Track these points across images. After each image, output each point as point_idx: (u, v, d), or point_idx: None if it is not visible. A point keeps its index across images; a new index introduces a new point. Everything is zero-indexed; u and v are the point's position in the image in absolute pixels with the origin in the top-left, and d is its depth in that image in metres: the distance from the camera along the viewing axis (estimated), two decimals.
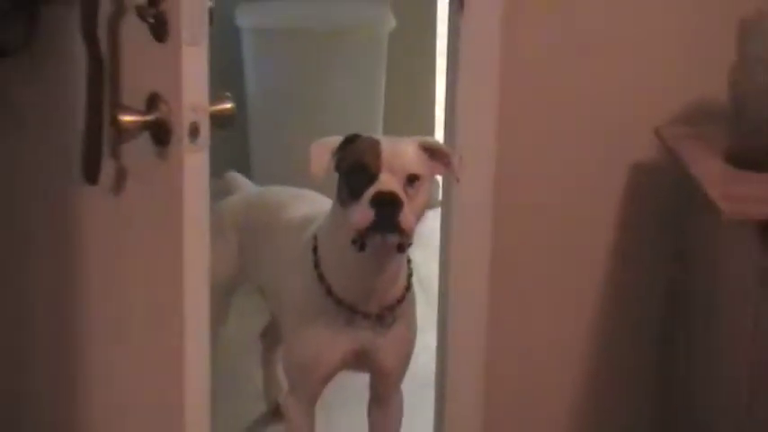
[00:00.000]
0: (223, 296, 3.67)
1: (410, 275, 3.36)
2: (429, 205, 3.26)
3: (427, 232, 3.55)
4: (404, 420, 3.66)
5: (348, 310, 3.29)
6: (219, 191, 3.70)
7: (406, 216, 3.06)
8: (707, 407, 3.35)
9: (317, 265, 3.32)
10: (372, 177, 3.07)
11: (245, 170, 4.46)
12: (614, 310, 3.62)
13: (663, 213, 3.53)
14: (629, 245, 3.58)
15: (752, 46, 3.06)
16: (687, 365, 3.49)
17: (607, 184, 3.53)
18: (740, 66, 3.07)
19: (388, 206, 3.06)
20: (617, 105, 3.46)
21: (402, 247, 3.15)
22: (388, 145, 3.12)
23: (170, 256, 2.37)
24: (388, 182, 3.08)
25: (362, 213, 3.06)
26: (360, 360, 3.39)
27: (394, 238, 3.09)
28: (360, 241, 3.11)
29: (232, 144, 4.93)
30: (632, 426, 3.69)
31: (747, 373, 3.02)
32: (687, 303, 3.47)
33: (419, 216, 3.15)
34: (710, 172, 3.10)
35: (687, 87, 3.43)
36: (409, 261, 3.35)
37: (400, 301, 3.28)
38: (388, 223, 3.06)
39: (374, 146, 3.11)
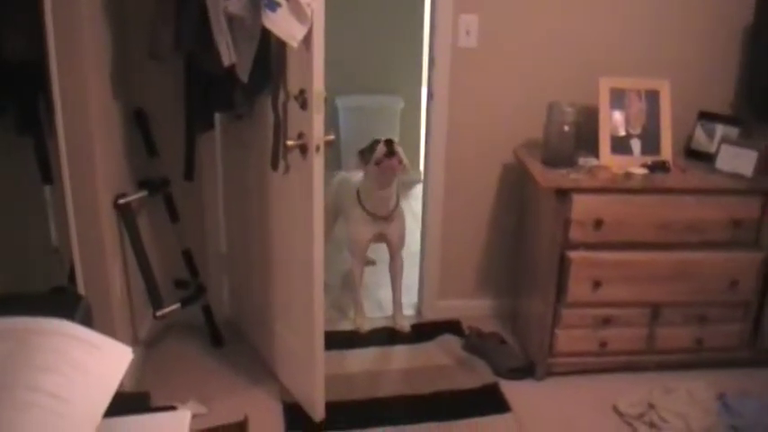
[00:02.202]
0: (332, 218, 4.05)
1: (398, 199, 3.79)
2: (414, 180, 3.66)
3: (416, 195, 3.77)
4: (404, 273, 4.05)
5: (373, 216, 3.80)
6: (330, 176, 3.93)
7: (398, 151, 3.58)
8: (532, 257, 3.60)
9: (359, 197, 3.81)
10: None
11: (339, 166, 5.11)
12: (498, 216, 3.90)
13: (517, 184, 3.84)
14: (504, 194, 3.89)
15: (552, 114, 3.41)
16: (526, 238, 3.71)
17: (494, 171, 3.84)
18: (548, 122, 3.43)
19: (391, 144, 3.60)
20: (500, 140, 3.75)
21: (400, 162, 3.60)
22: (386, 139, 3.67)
23: (308, 201, 2.77)
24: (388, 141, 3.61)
25: (381, 149, 3.60)
26: (380, 237, 3.89)
27: (395, 159, 3.61)
28: (380, 163, 3.60)
29: (334, 154, 5.54)
30: (508, 252, 3.95)
31: (549, 243, 3.29)
32: (527, 218, 3.73)
33: (402, 167, 3.61)
34: (536, 167, 3.41)
35: (525, 133, 3.73)
36: (398, 195, 3.76)
37: (394, 209, 3.83)
38: (392, 152, 3.59)
39: (380, 140, 3.63)
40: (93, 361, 1.15)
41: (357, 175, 3.89)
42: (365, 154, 3.68)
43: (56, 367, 1.09)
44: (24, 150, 2.54)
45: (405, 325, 3.88)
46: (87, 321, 1.33)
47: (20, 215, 2.65)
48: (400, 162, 3.60)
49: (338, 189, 4.07)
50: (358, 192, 3.78)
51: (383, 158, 3.58)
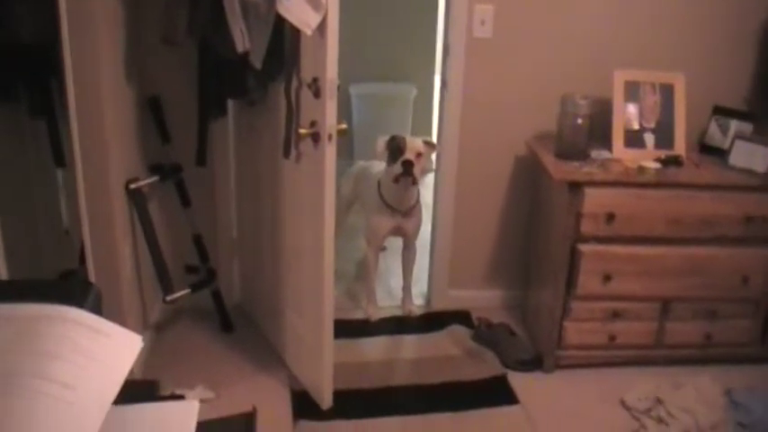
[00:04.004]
0: (346, 206, 4.06)
1: (418, 195, 3.76)
2: (427, 169, 3.67)
3: (428, 184, 3.83)
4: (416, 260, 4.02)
5: (392, 209, 3.75)
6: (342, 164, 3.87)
7: (415, 171, 3.53)
8: (543, 249, 3.57)
9: (379, 190, 3.74)
10: (402, 153, 3.54)
11: (351, 154, 5.17)
12: (509, 207, 3.87)
13: (529, 176, 3.83)
14: (516, 186, 3.87)
15: (566, 106, 3.37)
16: (537, 230, 3.69)
17: (506, 162, 3.82)
18: (561, 114, 3.39)
19: (408, 166, 3.53)
20: (512, 131, 3.72)
21: (414, 182, 3.58)
22: (409, 140, 3.59)
23: (319, 190, 2.72)
24: (408, 155, 3.53)
25: (398, 168, 3.55)
26: (397, 231, 3.87)
27: (410, 179, 3.56)
28: (396, 180, 3.57)
29: (346, 142, 5.51)
30: (519, 244, 3.93)
31: (560, 236, 3.27)
32: (539, 210, 3.72)
33: (422, 171, 3.58)
34: (548, 160, 3.39)
35: (538, 125, 3.70)
36: (418, 191, 3.73)
37: (414, 205, 3.75)
38: (408, 173, 3.54)
39: (403, 140, 3.58)
40: (102, 348, 1.13)
41: (378, 165, 3.84)
42: (388, 147, 3.57)
43: (63, 354, 1.07)
44: (37, 134, 2.54)
45: (413, 309, 3.87)
46: (97, 309, 1.31)
47: (32, 198, 2.64)
48: (415, 182, 3.55)
49: (357, 178, 4.04)
50: (379, 183, 3.72)
51: (400, 177, 3.54)
